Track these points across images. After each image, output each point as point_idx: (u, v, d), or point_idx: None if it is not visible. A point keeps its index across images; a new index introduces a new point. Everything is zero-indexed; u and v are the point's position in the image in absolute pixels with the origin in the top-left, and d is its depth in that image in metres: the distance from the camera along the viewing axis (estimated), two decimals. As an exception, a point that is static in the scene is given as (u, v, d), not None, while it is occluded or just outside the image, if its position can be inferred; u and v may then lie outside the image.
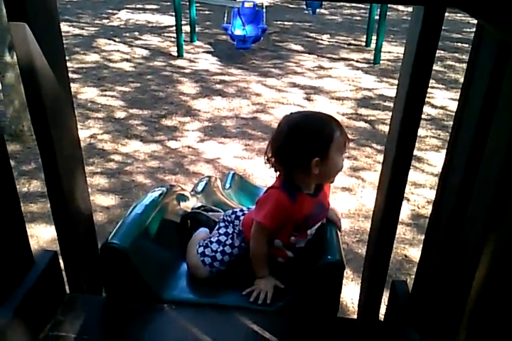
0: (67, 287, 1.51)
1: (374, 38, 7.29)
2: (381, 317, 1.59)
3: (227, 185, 2.62)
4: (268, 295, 1.48)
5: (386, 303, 1.53)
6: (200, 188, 2.21)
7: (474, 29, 1.03)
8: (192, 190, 2.19)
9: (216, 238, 1.61)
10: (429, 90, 4.88)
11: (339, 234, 1.60)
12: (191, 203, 1.91)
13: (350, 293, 2.55)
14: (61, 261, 1.47)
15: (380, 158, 4.12)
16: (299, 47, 7.67)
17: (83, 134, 4.35)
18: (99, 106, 5.08)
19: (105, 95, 5.38)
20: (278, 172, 1.53)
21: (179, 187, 1.92)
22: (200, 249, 1.59)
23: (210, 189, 2.28)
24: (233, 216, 1.67)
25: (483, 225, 0.83)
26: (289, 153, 1.44)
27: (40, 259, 1.35)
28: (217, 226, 1.67)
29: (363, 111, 5.13)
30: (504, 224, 0.75)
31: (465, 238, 0.94)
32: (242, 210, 1.71)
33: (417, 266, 1.29)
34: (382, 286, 1.49)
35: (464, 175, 0.95)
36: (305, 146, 1.41)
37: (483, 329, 0.83)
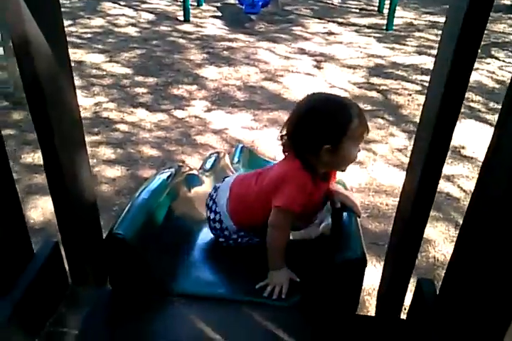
0: (69, 278, 1.44)
1: (387, 2, 7.01)
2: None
3: (236, 159, 2.55)
4: (283, 289, 1.38)
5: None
6: (208, 166, 2.13)
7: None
8: (200, 168, 2.12)
9: None
10: (429, 58, 4.68)
11: (359, 222, 1.48)
12: (201, 184, 1.83)
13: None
14: (63, 251, 1.39)
15: (393, 129, 4.03)
16: (308, 12, 7.41)
17: (88, 102, 4.27)
18: (104, 72, 4.95)
19: (110, 61, 5.25)
20: (287, 153, 1.45)
21: (187, 167, 1.81)
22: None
23: (219, 166, 2.21)
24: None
25: None
26: (300, 135, 1.38)
27: (40, 250, 1.28)
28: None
29: (374, 80, 4.98)
30: None
31: (506, 237, 0.86)
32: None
33: (447, 265, 1.19)
34: (407, 281, 1.34)
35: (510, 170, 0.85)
36: (317, 131, 1.34)
37: None
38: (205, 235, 1.63)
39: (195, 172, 1.85)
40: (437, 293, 1.24)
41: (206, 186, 1.90)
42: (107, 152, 3.49)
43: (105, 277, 1.47)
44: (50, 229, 2.61)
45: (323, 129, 1.33)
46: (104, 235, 1.41)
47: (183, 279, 1.43)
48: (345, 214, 1.47)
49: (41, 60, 1.02)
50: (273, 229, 1.39)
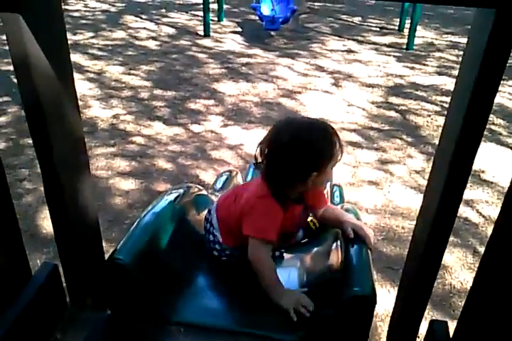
0: (68, 301, 1.40)
1: (408, 21, 7.00)
2: None
3: (249, 177, 2.52)
4: (304, 304, 1.31)
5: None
6: (219, 185, 2.08)
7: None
8: (211, 188, 2.08)
9: None
10: (449, 79, 4.59)
11: (370, 256, 1.37)
12: (210, 205, 1.79)
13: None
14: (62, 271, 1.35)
15: (411, 150, 3.97)
16: (328, 30, 7.43)
17: (106, 114, 4.29)
18: (123, 85, 5.00)
19: (129, 74, 5.30)
20: (261, 178, 1.43)
21: (196, 188, 1.74)
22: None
23: (231, 185, 2.17)
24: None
25: None
26: (287, 166, 1.33)
27: (38, 272, 1.23)
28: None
29: (393, 99, 4.94)
30: None
31: None
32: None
33: (462, 308, 1.12)
34: (422, 311, 1.27)
35: None
36: (306, 162, 1.33)
37: None
38: (208, 260, 1.57)
39: (204, 192, 1.79)
40: (451, 336, 1.16)
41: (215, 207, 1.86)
42: (122, 164, 3.48)
43: (105, 301, 1.42)
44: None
45: (312, 160, 1.33)
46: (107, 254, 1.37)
47: (182, 307, 1.37)
48: (357, 247, 1.38)
49: (43, 81, 0.98)
50: (256, 265, 1.38)
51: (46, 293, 1.22)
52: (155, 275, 1.34)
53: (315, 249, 1.62)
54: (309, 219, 1.67)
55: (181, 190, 1.61)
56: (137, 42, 6.38)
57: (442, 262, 2.99)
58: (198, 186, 1.78)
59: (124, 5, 8.30)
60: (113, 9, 8.05)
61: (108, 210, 2.89)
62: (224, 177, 2.18)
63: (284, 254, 1.69)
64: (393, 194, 3.34)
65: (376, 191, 3.37)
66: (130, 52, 5.97)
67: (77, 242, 1.26)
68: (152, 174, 3.37)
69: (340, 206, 1.77)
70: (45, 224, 2.75)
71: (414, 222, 3.34)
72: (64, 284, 1.34)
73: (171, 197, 1.54)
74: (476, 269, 2.71)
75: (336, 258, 1.39)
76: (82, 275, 1.33)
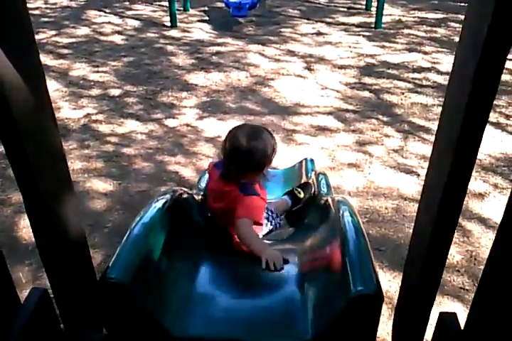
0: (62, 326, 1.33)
1: (374, 0, 6.97)
2: None
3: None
4: (277, 262, 1.49)
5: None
6: (203, 184, 2.06)
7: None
8: (196, 187, 2.05)
9: None
10: (434, 55, 4.70)
11: (370, 249, 1.30)
12: (198, 208, 1.74)
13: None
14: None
15: (387, 129, 3.98)
16: (296, 13, 7.36)
17: (76, 114, 4.19)
18: (92, 83, 4.88)
19: (97, 71, 5.17)
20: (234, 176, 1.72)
21: (182, 191, 1.69)
22: None
23: None
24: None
25: None
26: (251, 164, 1.69)
27: (28, 300, 1.17)
28: None
29: (366, 79, 4.93)
30: None
31: None
32: None
33: (473, 297, 1.08)
34: (427, 317, 1.20)
35: None
36: (263, 160, 1.70)
37: None
38: (206, 267, 1.54)
39: (190, 194, 1.75)
40: (461, 328, 1.13)
41: (203, 208, 1.82)
42: (98, 166, 3.41)
43: (100, 322, 1.36)
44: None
45: (267, 158, 1.71)
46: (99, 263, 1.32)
47: (184, 321, 1.31)
48: (355, 240, 1.33)
49: (13, 90, 0.92)
50: (246, 231, 1.65)
51: (38, 321, 1.16)
52: (151, 289, 1.28)
53: (313, 243, 1.59)
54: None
55: (168, 196, 1.55)
56: (102, 38, 6.22)
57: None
58: (183, 188, 1.74)
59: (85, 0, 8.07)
60: (74, 5, 7.82)
61: (87, 214, 2.83)
62: (207, 175, 2.15)
63: (281, 248, 1.67)
64: (374, 175, 3.35)
65: (357, 173, 3.38)
66: (96, 49, 5.83)
67: (65, 265, 1.20)
68: (130, 174, 3.32)
69: (331, 198, 1.74)
70: (25, 234, 2.68)
71: (397, 202, 3.36)
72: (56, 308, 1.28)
73: (159, 204, 1.49)
74: (461, 244, 2.72)
75: (335, 252, 1.35)
76: (75, 298, 1.26)
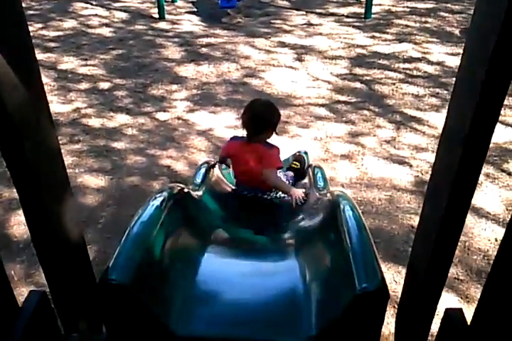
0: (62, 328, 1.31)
1: (365, -10, 6.93)
2: None
3: (224, 165, 2.48)
4: (301, 196, 2.01)
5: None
6: (199, 179, 2.04)
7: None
8: (191, 183, 2.02)
9: None
10: (424, 45, 4.68)
11: (371, 238, 1.27)
12: (196, 204, 1.71)
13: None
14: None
15: (379, 120, 3.97)
16: (285, 3, 7.30)
17: (65, 109, 4.14)
18: (81, 76, 4.81)
19: (86, 64, 5.10)
20: (255, 137, 2.17)
21: (179, 188, 1.66)
22: None
23: (211, 177, 2.12)
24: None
25: None
26: (267, 123, 2.16)
27: (27, 304, 1.14)
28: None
29: (357, 70, 4.91)
30: None
31: None
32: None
33: (481, 292, 1.06)
34: (432, 314, 1.17)
35: None
36: (275, 119, 2.19)
37: None
38: (208, 264, 1.51)
39: (187, 190, 1.72)
40: (468, 323, 1.11)
41: (202, 205, 1.80)
42: (89, 161, 3.37)
43: (101, 323, 1.33)
44: (35, 247, 2.51)
45: (277, 119, 2.21)
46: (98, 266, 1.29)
47: (187, 320, 1.28)
48: (358, 236, 1.28)
49: (11, 92, 0.89)
50: (276, 176, 2.19)
51: (38, 325, 1.13)
52: (153, 288, 1.25)
53: (314, 238, 1.57)
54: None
55: (165, 193, 1.52)
56: (90, 31, 6.13)
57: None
58: (180, 185, 1.70)
59: (71, -8, 7.94)
60: (60, -3, 7.70)
61: (80, 210, 2.80)
62: (203, 170, 2.13)
63: (282, 243, 1.65)
64: (366, 166, 3.35)
65: (350, 165, 3.37)
66: (84, 42, 5.74)
67: (64, 267, 1.16)
68: (122, 168, 3.28)
69: (330, 193, 1.72)
70: (16, 232, 2.65)
71: (390, 193, 3.36)
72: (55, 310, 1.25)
73: (157, 202, 1.45)
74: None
75: (338, 248, 1.31)
76: (73, 299, 1.23)
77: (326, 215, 1.58)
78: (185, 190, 1.68)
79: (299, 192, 2.05)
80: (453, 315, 1.13)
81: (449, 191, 0.97)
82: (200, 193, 1.85)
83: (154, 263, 1.30)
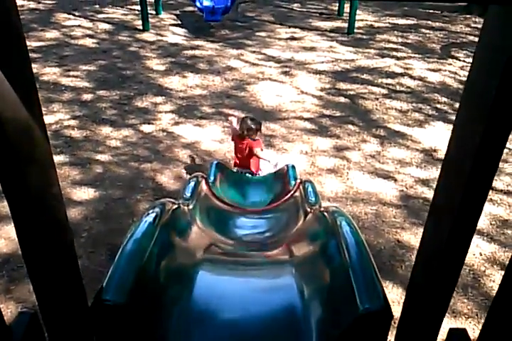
0: None
1: (346, 6, 7.05)
2: None
3: (212, 178, 2.46)
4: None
5: None
6: (188, 193, 2.01)
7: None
8: (181, 197, 1.99)
9: None
10: (406, 61, 4.75)
11: (371, 256, 1.22)
12: (187, 218, 1.68)
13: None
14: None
15: (364, 135, 4.01)
16: (269, 18, 7.37)
17: (47, 120, 4.06)
18: (63, 88, 4.75)
19: (69, 75, 5.04)
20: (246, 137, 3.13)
21: (171, 203, 1.63)
22: None
23: (200, 191, 2.09)
24: None
25: None
26: (254, 129, 3.11)
27: (16, 326, 1.09)
28: None
29: (341, 85, 4.96)
30: None
31: None
32: None
33: (487, 312, 1.03)
34: (435, 337, 1.11)
35: None
36: (258, 127, 3.15)
37: None
38: (204, 281, 1.47)
39: (178, 205, 1.68)
40: None
41: (192, 219, 1.77)
42: (71, 173, 3.31)
43: None
44: (16, 261, 2.43)
45: (260, 127, 3.21)
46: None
47: (184, 339, 1.23)
48: (358, 255, 1.24)
49: (5, 104, 0.86)
50: (261, 152, 3.16)
51: None
52: (150, 309, 1.21)
53: (311, 256, 1.53)
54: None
55: (158, 210, 1.48)
56: (73, 41, 6.08)
57: (408, 244, 3.00)
58: (170, 200, 1.66)
59: (54, 2, 7.87)
60: (42, 7, 7.63)
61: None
62: (192, 184, 2.10)
63: (277, 259, 1.61)
64: (352, 180, 3.36)
65: (335, 179, 3.38)
66: (67, 53, 5.69)
67: (56, 288, 1.12)
68: (105, 181, 3.23)
69: (325, 209, 1.69)
70: (-5, 245, 2.57)
71: (376, 207, 3.36)
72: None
73: (150, 218, 1.42)
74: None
75: (338, 266, 1.27)
76: (66, 322, 1.16)
77: (323, 231, 1.55)
78: (177, 206, 1.65)
79: (274, 157, 3.21)
80: (457, 336, 1.10)
81: (454, 214, 0.94)
82: (190, 207, 1.82)
83: (149, 281, 1.26)
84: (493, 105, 0.80)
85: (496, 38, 0.80)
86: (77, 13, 7.23)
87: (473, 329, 2.21)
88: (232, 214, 2.25)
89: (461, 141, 0.93)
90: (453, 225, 0.94)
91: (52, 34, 6.32)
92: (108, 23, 6.87)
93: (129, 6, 7.66)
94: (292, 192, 2.38)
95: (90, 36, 6.29)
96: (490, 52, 0.82)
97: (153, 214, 1.43)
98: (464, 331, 1.09)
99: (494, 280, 2.50)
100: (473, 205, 0.92)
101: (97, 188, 3.14)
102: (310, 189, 2.19)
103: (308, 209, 1.89)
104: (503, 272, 2.62)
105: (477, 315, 2.30)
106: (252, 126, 3.02)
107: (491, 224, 2.93)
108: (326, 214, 1.57)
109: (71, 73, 5.09)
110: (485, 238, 2.80)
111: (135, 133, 3.92)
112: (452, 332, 1.09)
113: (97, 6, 7.65)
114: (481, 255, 2.67)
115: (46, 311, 1.12)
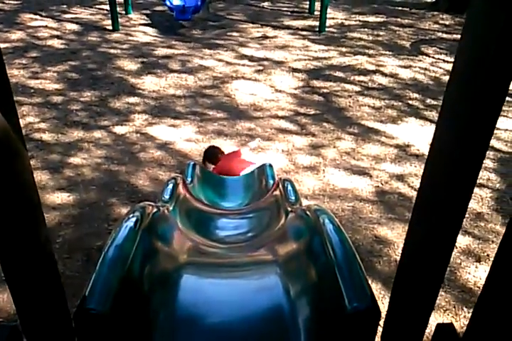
0: None
1: (317, 4, 7.09)
2: None
3: (189, 179, 2.43)
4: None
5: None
6: (167, 195, 1.98)
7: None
8: (160, 200, 1.96)
9: None
10: (377, 58, 4.82)
11: (357, 255, 1.21)
12: (167, 221, 1.65)
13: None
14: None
15: (339, 132, 4.03)
16: (241, 17, 7.35)
17: (17, 124, 3.95)
18: (32, 90, 4.63)
19: (37, 78, 4.92)
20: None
21: (150, 207, 1.60)
22: None
23: (179, 193, 2.06)
24: None
25: None
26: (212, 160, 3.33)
27: None
28: None
29: (315, 83, 4.98)
30: None
31: None
32: None
33: (473, 309, 1.04)
34: (422, 332, 1.13)
35: None
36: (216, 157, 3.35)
37: None
38: (188, 285, 1.45)
39: (158, 208, 1.65)
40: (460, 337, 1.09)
41: (173, 222, 1.74)
42: (43, 178, 3.22)
43: None
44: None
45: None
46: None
47: None
48: (344, 253, 1.23)
49: None
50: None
51: None
52: (135, 316, 1.18)
53: (296, 255, 1.52)
54: None
55: (138, 214, 1.45)
56: (40, 43, 5.93)
57: (385, 239, 3.02)
58: (150, 203, 1.63)
59: (19, 2, 7.67)
60: (7, 7, 7.42)
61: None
62: (170, 186, 2.07)
63: (261, 259, 1.60)
64: (328, 177, 3.38)
65: (312, 176, 3.39)
66: (34, 54, 5.54)
67: (37, 301, 1.08)
68: (79, 185, 3.16)
69: (307, 207, 1.67)
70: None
71: (352, 204, 3.38)
72: None
73: (130, 223, 1.38)
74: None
75: (323, 265, 1.26)
76: (47, 331, 1.14)
77: (306, 230, 1.53)
78: (157, 209, 1.62)
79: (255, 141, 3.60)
80: (444, 330, 1.11)
81: (440, 207, 0.95)
82: (170, 209, 1.80)
83: (133, 288, 1.23)
84: (480, 97, 0.80)
85: (480, 28, 0.80)
86: (43, 14, 7.06)
87: (451, 321, 2.25)
88: (213, 215, 2.23)
89: (446, 134, 0.94)
90: (438, 220, 0.95)
91: (17, 35, 6.16)
92: (76, 23, 6.73)
93: (97, 6, 7.52)
94: (272, 191, 2.36)
95: (58, 37, 6.15)
96: (475, 43, 0.82)
97: (134, 219, 1.39)
98: (451, 326, 1.11)
99: (470, 272, 2.54)
100: (458, 200, 0.93)
101: (71, 192, 3.07)
102: (290, 187, 2.18)
103: (289, 208, 1.88)
104: (478, 264, 2.69)
105: (454, 307, 2.34)
106: (209, 156, 3.33)
107: (465, 217, 2.98)
108: (308, 212, 1.56)
109: (40, 75, 4.96)
110: (460, 231, 2.85)
111: (108, 135, 3.85)
112: (439, 327, 1.10)
113: (64, 6, 7.49)
114: (456, 248, 2.71)
115: (27, 322, 1.09)
